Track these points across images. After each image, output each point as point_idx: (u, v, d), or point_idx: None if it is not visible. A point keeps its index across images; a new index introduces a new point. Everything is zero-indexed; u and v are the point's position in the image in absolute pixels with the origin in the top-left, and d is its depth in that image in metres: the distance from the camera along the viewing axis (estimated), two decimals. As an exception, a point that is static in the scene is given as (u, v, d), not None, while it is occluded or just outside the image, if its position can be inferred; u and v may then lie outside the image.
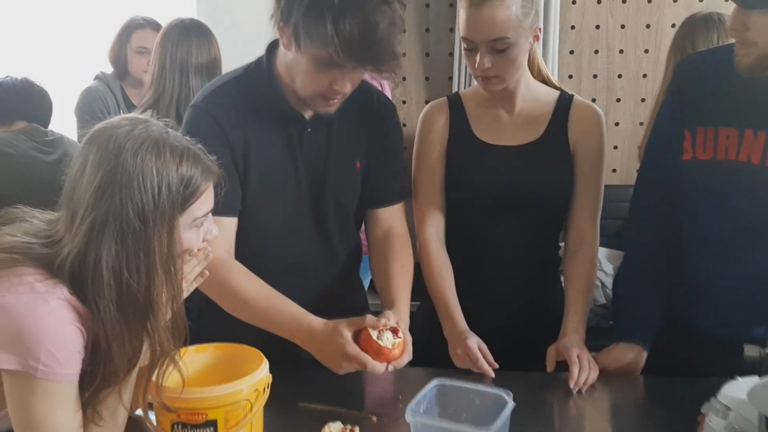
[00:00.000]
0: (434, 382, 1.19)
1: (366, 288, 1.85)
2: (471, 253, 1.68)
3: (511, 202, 1.63)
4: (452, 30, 2.97)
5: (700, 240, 1.48)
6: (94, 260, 1.01)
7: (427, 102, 3.02)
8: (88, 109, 2.69)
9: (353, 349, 1.32)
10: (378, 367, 1.33)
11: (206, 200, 1.12)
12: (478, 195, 1.65)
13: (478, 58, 1.51)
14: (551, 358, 1.54)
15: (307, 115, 1.49)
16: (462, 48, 1.57)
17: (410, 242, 1.63)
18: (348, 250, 1.65)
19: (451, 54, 2.98)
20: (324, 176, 1.54)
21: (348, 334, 1.33)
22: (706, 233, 1.47)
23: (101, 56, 3.11)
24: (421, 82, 3.03)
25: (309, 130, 1.50)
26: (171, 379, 1.17)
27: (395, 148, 1.64)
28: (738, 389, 1.06)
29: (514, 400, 1.15)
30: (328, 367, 1.37)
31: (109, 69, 2.88)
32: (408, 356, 1.38)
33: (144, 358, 1.13)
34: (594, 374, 1.47)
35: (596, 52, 2.98)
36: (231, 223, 1.48)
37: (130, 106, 2.78)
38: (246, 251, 1.50)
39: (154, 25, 2.79)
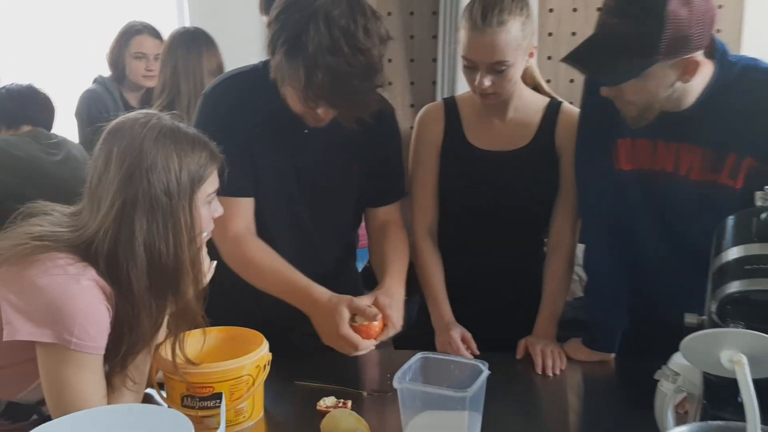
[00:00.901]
0: (418, 355, 1.32)
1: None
2: (462, 249, 1.80)
3: (501, 204, 1.75)
4: (435, 37, 3.09)
5: (640, 244, 1.58)
6: (127, 236, 1.15)
7: (412, 105, 3.15)
8: (88, 111, 2.79)
9: (345, 329, 1.43)
10: (366, 344, 1.44)
11: (214, 179, 1.26)
12: (470, 197, 1.77)
13: (477, 76, 1.61)
14: (521, 348, 1.69)
15: None
16: (462, 65, 1.65)
17: (405, 230, 1.74)
18: (343, 241, 1.78)
19: (435, 60, 3.10)
20: (321, 177, 1.64)
21: (346, 314, 1.43)
22: (643, 238, 1.57)
23: (95, 60, 3.23)
24: (407, 87, 3.15)
25: (306, 131, 1.57)
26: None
27: (394, 150, 1.72)
28: (686, 357, 1.20)
29: (491, 372, 1.28)
30: (323, 339, 1.48)
31: (105, 72, 2.97)
32: (393, 328, 1.48)
33: (159, 336, 1.26)
34: (560, 363, 1.61)
35: (573, 34, 3.10)
36: (248, 203, 1.60)
37: (128, 108, 2.87)
38: None
39: (152, 31, 2.90)
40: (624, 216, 1.58)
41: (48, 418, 1.27)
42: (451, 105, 1.81)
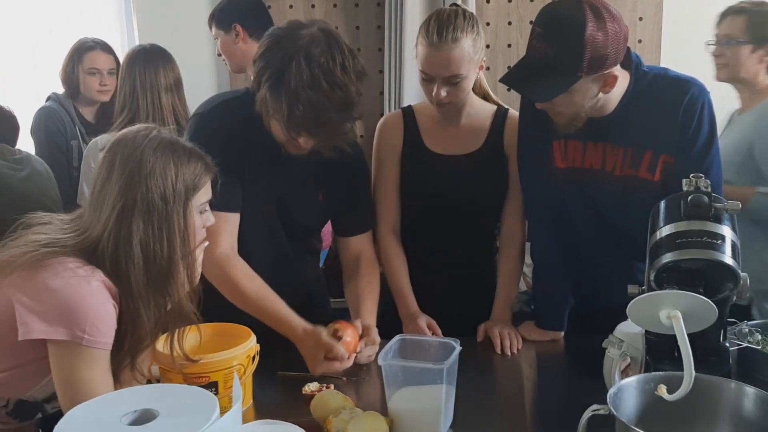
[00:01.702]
0: (397, 338, 1.46)
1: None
2: (424, 244, 1.97)
3: (456, 202, 1.92)
4: (381, 50, 3.24)
5: (578, 233, 1.77)
6: (125, 236, 1.25)
7: (360, 116, 3.30)
8: (45, 128, 2.82)
9: (326, 338, 1.56)
10: (344, 352, 1.56)
11: (207, 190, 1.37)
12: (429, 197, 1.93)
13: (435, 88, 1.78)
14: (481, 332, 1.86)
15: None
16: (420, 77, 1.83)
17: (377, 264, 1.89)
18: (310, 250, 1.93)
19: (381, 71, 3.24)
20: (292, 202, 1.77)
21: (325, 338, 1.57)
22: (580, 227, 1.77)
23: (45, 79, 3.25)
24: (355, 98, 3.30)
25: (281, 159, 1.69)
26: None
27: (362, 186, 1.88)
28: (629, 326, 1.37)
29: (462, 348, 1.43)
30: (309, 368, 1.60)
31: (54, 89, 2.99)
32: (371, 348, 1.64)
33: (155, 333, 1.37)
34: (516, 343, 1.79)
35: (509, 45, 3.31)
36: (234, 219, 1.70)
37: (85, 124, 2.93)
38: None
39: (105, 47, 2.96)
40: (563, 209, 1.77)
41: (51, 417, 1.37)
42: (409, 114, 1.97)
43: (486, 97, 1.99)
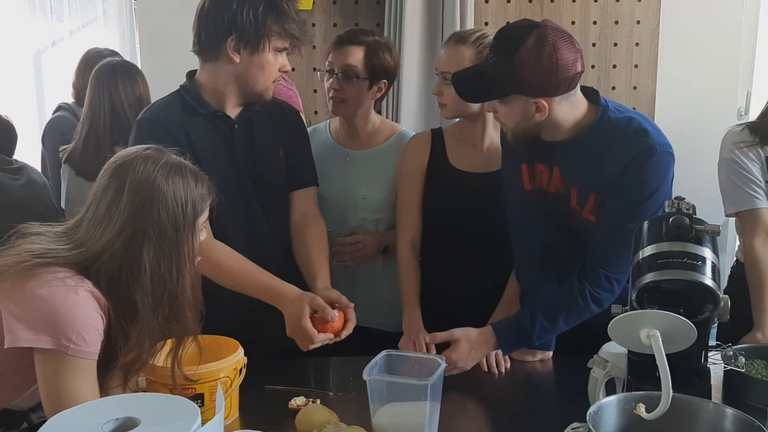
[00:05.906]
0: (383, 353, 1.47)
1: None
2: (444, 257, 2.01)
3: (478, 218, 1.95)
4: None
5: (557, 255, 1.78)
6: (134, 261, 1.26)
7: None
8: (60, 135, 2.82)
9: (305, 323, 1.59)
10: (321, 338, 1.60)
11: (207, 210, 1.38)
12: (452, 212, 1.98)
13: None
14: None
15: (233, 115, 1.80)
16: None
17: (323, 222, 1.94)
18: (286, 230, 1.94)
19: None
20: (256, 163, 1.84)
21: (307, 310, 1.60)
22: (558, 249, 1.77)
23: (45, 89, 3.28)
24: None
25: (236, 127, 1.80)
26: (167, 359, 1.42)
27: (305, 144, 1.99)
28: (614, 346, 1.38)
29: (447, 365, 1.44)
30: (287, 330, 1.63)
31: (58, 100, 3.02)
32: (352, 323, 1.65)
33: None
34: (503, 363, 1.79)
35: None
36: None
37: None
38: None
39: (115, 54, 2.98)
40: (540, 229, 1.78)
41: (37, 426, 1.36)
42: (437, 133, 2.06)
43: None
